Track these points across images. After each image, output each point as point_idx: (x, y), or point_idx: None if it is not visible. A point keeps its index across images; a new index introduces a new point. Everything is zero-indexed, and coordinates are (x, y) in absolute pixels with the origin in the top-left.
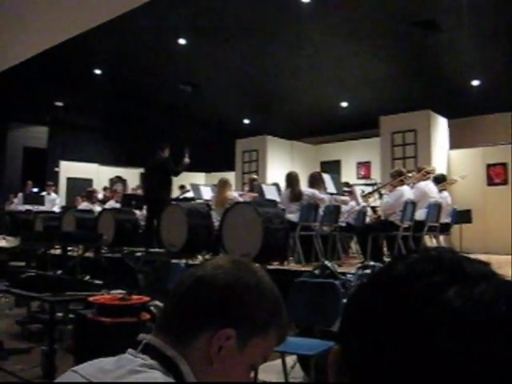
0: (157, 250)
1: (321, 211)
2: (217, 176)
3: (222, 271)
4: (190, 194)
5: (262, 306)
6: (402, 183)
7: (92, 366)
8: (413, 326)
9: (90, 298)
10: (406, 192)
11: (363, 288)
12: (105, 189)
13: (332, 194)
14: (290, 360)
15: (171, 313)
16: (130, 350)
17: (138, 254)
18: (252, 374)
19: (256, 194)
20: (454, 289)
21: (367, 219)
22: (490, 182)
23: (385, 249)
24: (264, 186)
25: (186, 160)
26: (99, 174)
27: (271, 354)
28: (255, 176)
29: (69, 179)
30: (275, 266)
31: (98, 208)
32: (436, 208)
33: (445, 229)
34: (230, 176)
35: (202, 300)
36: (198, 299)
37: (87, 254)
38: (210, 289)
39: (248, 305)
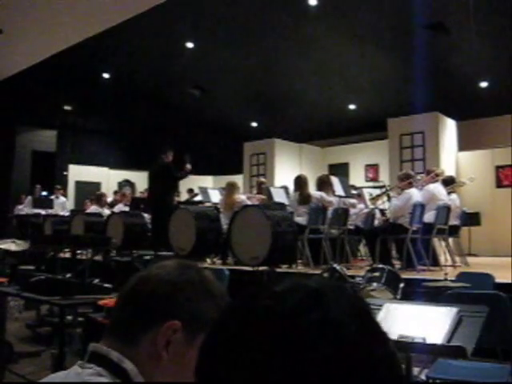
0: (166, 253)
1: (329, 214)
2: (225, 179)
3: (164, 270)
4: (198, 198)
5: (206, 302)
6: (410, 186)
7: (47, 381)
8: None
9: (100, 302)
10: (415, 194)
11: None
12: (115, 193)
13: (340, 196)
14: None
15: (116, 315)
16: (79, 362)
17: (147, 257)
18: None
19: (264, 197)
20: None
21: (376, 222)
22: (499, 184)
23: (393, 251)
24: (272, 189)
25: (188, 167)
26: (108, 178)
27: None
28: (263, 179)
29: (77, 183)
30: (284, 269)
31: (106, 211)
32: (445, 210)
33: (454, 231)
34: (238, 179)
35: (145, 298)
36: (140, 297)
37: (96, 258)
38: (152, 286)
39: (192, 300)
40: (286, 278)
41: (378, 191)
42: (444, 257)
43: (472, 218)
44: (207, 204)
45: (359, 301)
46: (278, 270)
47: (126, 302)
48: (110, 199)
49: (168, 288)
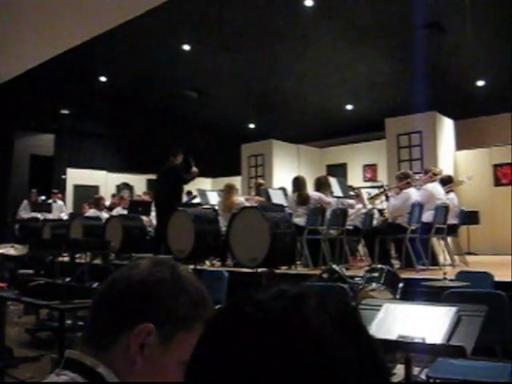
0: (165, 256)
1: (328, 215)
2: (223, 181)
3: (135, 270)
4: (197, 200)
5: (181, 300)
6: (408, 185)
7: None
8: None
9: None
10: (413, 194)
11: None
12: (113, 196)
13: (339, 197)
14: None
15: (90, 320)
16: (56, 370)
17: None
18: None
19: (262, 199)
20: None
21: (374, 222)
22: (498, 183)
23: (392, 251)
24: (270, 191)
25: (195, 169)
26: (106, 181)
27: None
28: (261, 180)
29: (76, 186)
30: (283, 270)
31: (105, 215)
32: (443, 210)
33: (452, 230)
34: (237, 181)
35: (115, 300)
36: (111, 300)
37: (95, 261)
38: (122, 287)
39: (164, 299)
40: (272, 285)
41: (376, 191)
42: (443, 256)
43: (470, 217)
44: (206, 206)
45: (343, 304)
46: (277, 271)
47: (97, 305)
48: (107, 203)
49: (139, 289)
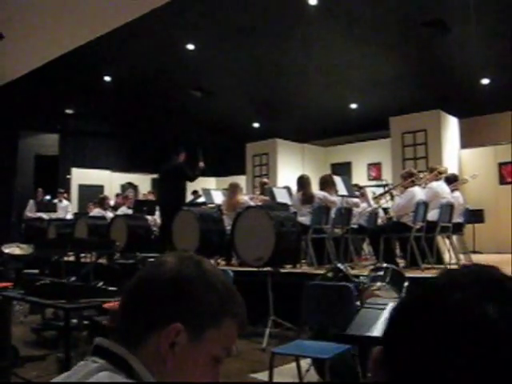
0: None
1: (332, 214)
2: (228, 180)
3: (162, 268)
4: (201, 199)
5: (209, 296)
6: (413, 184)
7: (56, 380)
8: (451, 333)
9: (104, 305)
10: (418, 193)
11: (410, 296)
12: (117, 195)
13: (343, 196)
14: (305, 363)
15: (119, 319)
16: (86, 357)
17: (151, 259)
18: (216, 368)
19: (267, 198)
20: (493, 303)
21: (379, 221)
22: (502, 181)
23: (397, 250)
24: (275, 190)
25: (201, 164)
26: (111, 181)
27: (234, 343)
28: (266, 180)
29: (80, 186)
30: (288, 269)
31: (110, 214)
32: (448, 208)
33: (457, 229)
34: (241, 180)
35: (144, 299)
36: (140, 300)
37: (100, 261)
38: (151, 286)
39: (192, 297)
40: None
41: (381, 190)
42: (448, 255)
43: (476, 216)
44: (210, 205)
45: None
46: (282, 270)
47: (126, 305)
48: (112, 202)
49: (166, 287)
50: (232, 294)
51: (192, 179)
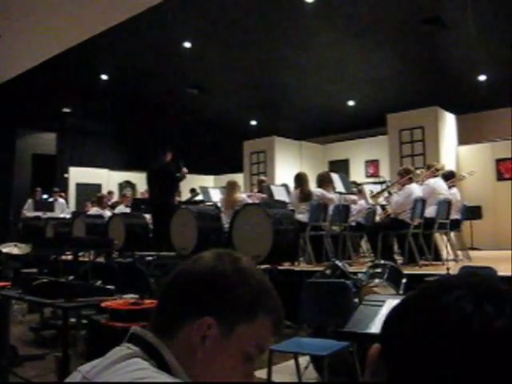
0: (168, 253)
1: (330, 211)
2: (225, 178)
3: (199, 262)
4: (199, 197)
5: (243, 292)
6: (410, 181)
7: (90, 363)
8: (443, 332)
9: (103, 304)
10: (415, 190)
11: (409, 296)
12: (109, 193)
13: (341, 193)
14: (304, 361)
15: (156, 311)
16: (121, 343)
17: (149, 258)
18: (249, 366)
19: (265, 195)
20: (485, 304)
21: (377, 218)
22: (500, 177)
23: (395, 247)
24: (273, 187)
25: (184, 170)
26: (108, 179)
27: (268, 342)
28: (264, 177)
29: (78, 185)
30: (286, 266)
31: (108, 213)
32: (446, 205)
33: (455, 225)
34: (239, 178)
35: (180, 291)
36: (176, 291)
37: (98, 260)
38: (186, 280)
39: (226, 291)
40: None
41: (378, 187)
42: (446, 251)
43: (473, 212)
44: (208, 203)
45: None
46: (280, 267)
47: (163, 297)
48: (115, 198)
49: (202, 281)
50: (267, 292)
51: (178, 180)
